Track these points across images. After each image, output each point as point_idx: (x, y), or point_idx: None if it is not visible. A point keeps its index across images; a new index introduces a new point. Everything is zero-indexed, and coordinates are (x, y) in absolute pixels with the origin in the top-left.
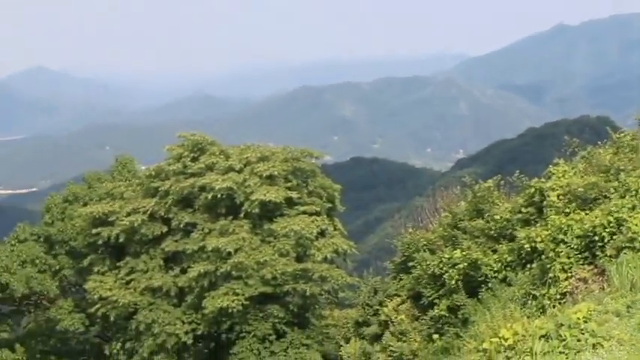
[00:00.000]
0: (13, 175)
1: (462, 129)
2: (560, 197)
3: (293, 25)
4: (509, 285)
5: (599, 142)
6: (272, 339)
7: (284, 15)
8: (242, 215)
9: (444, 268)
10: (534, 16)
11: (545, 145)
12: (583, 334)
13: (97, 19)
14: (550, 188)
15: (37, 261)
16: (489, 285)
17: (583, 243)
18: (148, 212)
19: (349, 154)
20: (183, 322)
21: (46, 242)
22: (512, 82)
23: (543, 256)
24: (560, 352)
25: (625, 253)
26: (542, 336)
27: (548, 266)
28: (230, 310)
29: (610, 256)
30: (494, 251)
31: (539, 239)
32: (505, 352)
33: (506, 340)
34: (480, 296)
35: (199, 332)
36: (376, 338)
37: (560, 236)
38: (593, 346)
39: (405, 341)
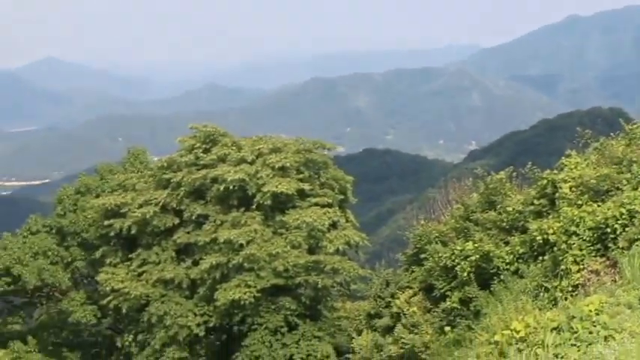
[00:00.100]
0: (25, 167)
1: (475, 120)
2: (573, 189)
3: (305, 16)
4: (521, 277)
5: (611, 134)
6: (284, 331)
7: (296, 6)
8: (254, 207)
9: (456, 260)
10: (547, 7)
11: (557, 136)
12: (595, 326)
13: (110, 11)
14: (562, 180)
15: (50, 253)
16: (501, 277)
17: (595, 235)
18: (160, 204)
19: (362, 145)
20: (195, 314)
21: (58, 234)
22: (524, 74)
23: (555, 248)
24: (571, 345)
25: (637, 245)
26: (554, 328)
27: (560, 258)
28: (242, 302)
29: (622, 248)
30: (507, 243)
31: (551, 231)
32: (517, 344)
33: (517, 332)
34: (491, 288)
35: (211, 324)
36: (388, 330)
37: (573, 228)
38: (605, 338)
39: (416, 333)
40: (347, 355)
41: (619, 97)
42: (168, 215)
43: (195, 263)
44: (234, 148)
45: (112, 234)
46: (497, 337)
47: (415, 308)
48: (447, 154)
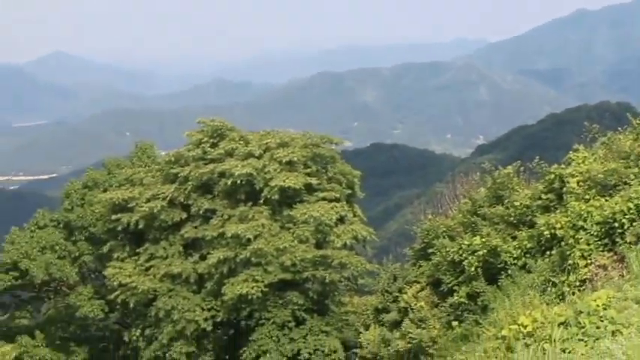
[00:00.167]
0: (33, 161)
1: (482, 115)
2: (580, 183)
3: (313, 11)
4: (529, 272)
5: (619, 128)
6: (291, 326)
7: (304, 1)
8: (261, 201)
9: (464, 255)
10: (555, 1)
11: (565, 131)
12: (602, 321)
13: (117, 5)
14: (570, 174)
15: (57, 247)
16: (509, 272)
17: (603, 230)
18: (168, 198)
19: (369, 140)
20: (203, 309)
21: (66, 228)
22: (532, 68)
23: (563, 243)
24: (579, 340)
25: None
26: (561, 323)
27: (568, 253)
28: (249, 297)
29: (630, 243)
30: (514, 238)
31: (558, 226)
32: (524, 339)
33: (525, 327)
34: (499, 283)
35: (219, 319)
36: (395, 325)
37: (580, 223)
38: (613, 333)
39: (424, 328)
40: (354, 350)
41: (627, 91)
42: (175, 210)
43: (203, 258)
44: (241, 142)
45: (119, 228)
46: (504, 332)
47: (423, 303)
48: (454, 148)
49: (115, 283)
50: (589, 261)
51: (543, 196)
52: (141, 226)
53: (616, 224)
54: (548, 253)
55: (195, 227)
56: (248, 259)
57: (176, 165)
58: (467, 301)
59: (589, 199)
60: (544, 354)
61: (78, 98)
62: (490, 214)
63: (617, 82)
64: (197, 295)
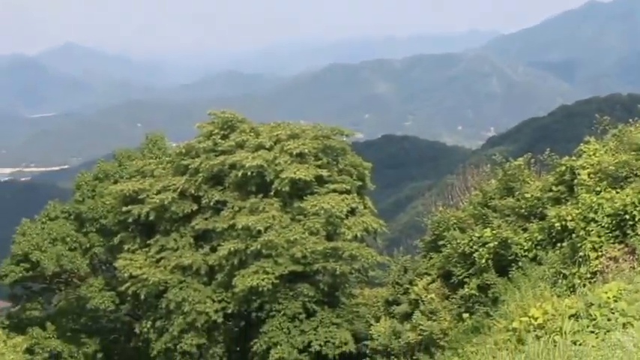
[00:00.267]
0: (44, 153)
1: (493, 107)
2: (591, 175)
3: (324, 2)
4: (540, 264)
5: (630, 120)
6: (302, 318)
7: None
8: (272, 193)
9: (474, 247)
10: None
11: (576, 123)
12: (613, 313)
13: None
14: (581, 166)
15: (68, 239)
16: (519, 264)
17: (614, 222)
18: (178, 190)
19: (380, 131)
20: (214, 301)
21: (77, 220)
22: (544, 60)
23: (574, 235)
24: (590, 332)
25: None
26: (572, 315)
27: (579, 245)
28: (260, 289)
29: None
30: (525, 230)
31: (569, 218)
32: (535, 331)
33: (535, 319)
34: (510, 275)
35: (229, 311)
36: (406, 317)
37: (591, 215)
38: (624, 325)
39: (435, 320)
40: (365, 342)
41: (638, 83)
42: (186, 201)
43: (214, 249)
44: (252, 134)
45: (130, 220)
46: (515, 324)
47: (433, 295)
48: (465, 140)
49: (125, 275)
50: (600, 253)
51: (554, 188)
52: (151, 217)
53: (627, 216)
54: (559, 245)
55: (206, 219)
56: (259, 250)
57: (187, 157)
58: (477, 293)
59: (600, 191)
60: (555, 346)
61: (89, 89)
62: (501, 206)
63: (628, 74)
64: (208, 286)
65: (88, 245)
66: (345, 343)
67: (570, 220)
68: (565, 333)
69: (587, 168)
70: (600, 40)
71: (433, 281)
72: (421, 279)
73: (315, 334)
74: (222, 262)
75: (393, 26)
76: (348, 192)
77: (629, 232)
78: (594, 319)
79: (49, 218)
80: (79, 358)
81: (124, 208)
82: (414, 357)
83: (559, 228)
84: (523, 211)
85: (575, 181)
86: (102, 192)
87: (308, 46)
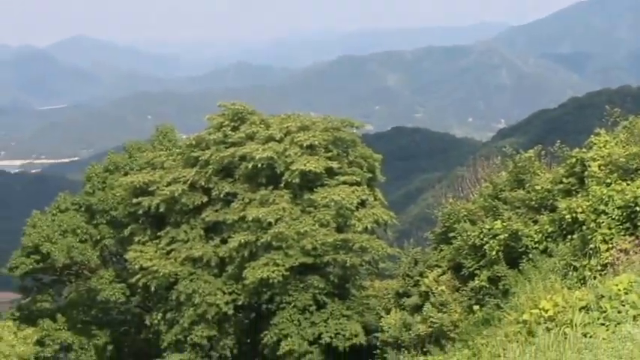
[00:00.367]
0: (54, 145)
1: (504, 98)
2: (602, 167)
3: None
4: (550, 256)
5: None
6: (312, 310)
7: None
8: (282, 185)
9: (485, 239)
10: None
11: (586, 114)
12: (624, 305)
13: None
14: (591, 158)
15: (78, 230)
16: (530, 256)
17: (624, 214)
18: (189, 182)
19: (390, 123)
20: (224, 293)
21: (87, 212)
22: (554, 52)
23: (584, 227)
24: (600, 324)
25: None
26: (583, 307)
27: (589, 237)
28: (270, 281)
29: None
30: (535, 222)
31: (580, 210)
32: (545, 323)
33: (546, 311)
34: (520, 267)
35: (240, 303)
36: (417, 309)
37: (602, 207)
38: (634, 317)
39: (445, 312)
40: (375, 334)
41: None
42: (196, 193)
43: (224, 241)
44: (262, 126)
45: (140, 212)
46: (525, 316)
47: (444, 287)
48: (475, 132)
49: (136, 267)
50: (610, 245)
51: (565, 180)
52: (162, 209)
53: (637, 208)
54: (569, 237)
55: (216, 211)
56: (269, 242)
57: (197, 148)
58: (488, 285)
59: (610, 183)
60: (565, 338)
61: (98, 81)
62: (511, 198)
63: (639, 67)
64: (218, 278)
65: (98, 237)
66: (356, 335)
67: (581, 212)
68: (575, 325)
69: (598, 160)
70: (611, 32)
71: (443, 273)
72: (431, 271)
73: (325, 326)
74: (233, 254)
75: (402, 18)
76: (358, 184)
77: (639, 224)
78: (605, 312)
79: (60, 210)
80: (90, 349)
81: (135, 200)
82: (425, 349)
83: (569, 220)
84: (533, 203)
85: (586, 173)
86: (112, 184)
87: (317, 38)
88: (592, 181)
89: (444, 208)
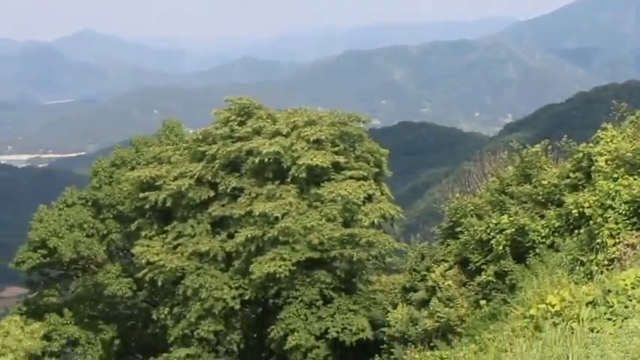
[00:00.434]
0: (61, 139)
1: (510, 93)
2: (609, 162)
3: None
4: (557, 251)
5: None
6: (319, 304)
7: None
8: (289, 180)
9: (492, 234)
10: None
11: (593, 109)
12: (630, 300)
13: None
14: (598, 153)
15: (85, 225)
16: (537, 251)
17: (631, 208)
18: (195, 176)
19: (397, 118)
20: (231, 287)
21: (94, 206)
22: (561, 46)
23: (591, 222)
24: (607, 319)
25: None
26: (590, 302)
27: (596, 232)
28: (277, 276)
29: None
30: (542, 217)
31: (587, 205)
32: (552, 318)
33: (553, 306)
34: (527, 262)
35: (246, 297)
36: (423, 304)
37: (609, 202)
38: None
39: (452, 307)
40: (382, 329)
41: None
42: (203, 188)
43: (231, 236)
44: (269, 120)
45: (147, 206)
46: (532, 311)
47: (450, 282)
48: (482, 126)
49: (143, 261)
50: (617, 240)
51: (571, 175)
52: (168, 204)
53: None
54: (576, 232)
55: (223, 205)
56: (276, 237)
57: (204, 143)
58: (495, 280)
59: (617, 178)
60: (572, 333)
61: (104, 76)
62: (518, 193)
63: None
64: (225, 273)
65: (105, 232)
66: (362, 330)
67: (587, 207)
68: (582, 320)
69: (605, 155)
70: (617, 27)
71: (450, 268)
72: (438, 266)
73: (332, 321)
74: (240, 249)
75: (408, 13)
76: (365, 178)
77: None
78: (612, 307)
79: (66, 205)
80: (97, 344)
81: (141, 195)
82: (431, 344)
83: (576, 215)
84: (540, 197)
85: (593, 167)
86: (119, 178)
87: (324, 33)
88: (599, 175)
89: (451, 203)
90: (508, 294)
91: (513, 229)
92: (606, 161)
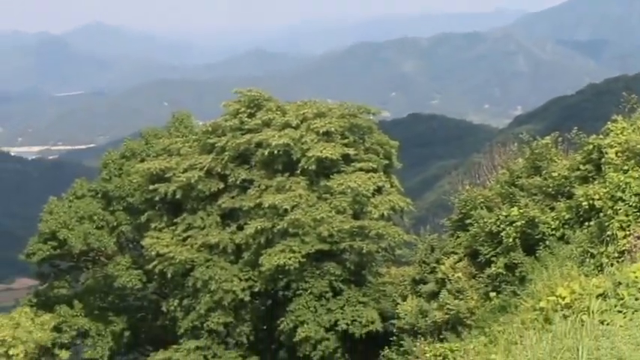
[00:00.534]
0: (71, 131)
1: (521, 85)
2: (619, 154)
3: None
4: (567, 243)
5: None
6: (329, 296)
7: None
8: (299, 172)
9: (502, 226)
10: None
11: (604, 101)
12: None
13: None
14: (608, 145)
15: (95, 217)
16: (547, 243)
17: None
18: (205, 168)
19: (407, 110)
20: (240, 279)
21: (104, 198)
22: (571, 38)
23: (601, 214)
24: (617, 311)
25: None
26: (600, 295)
27: (607, 224)
28: (287, 268)
29: None
30: (552, 209)
31: (597, 197)
32: (562, 310)
33: (563, 298)
34: (537, 254)
35: (256, 289)
36: (433, 296)
37: (619, 194)
38: None
39: (461, 299)
40: (392, 321)
41: None
42: (212, 180)
43: (240, 228)
44: (278, 112)
45: (157, 198)
46: (542, 304)
47: (460, 274)
48: (492, 119)
49: (152, 253)
50: (628, 232)
51: (582, 167)
52: (178, 196)
53: None
54: (586, 224)
55: (233, 197)
56: (285, 229)
57: (213, 135)
58: (505, 272)
59: (628, 170)
60: (582, 326)
61: (116, 68)
62: (528, 185)
63: None
64: (234, 265)
65: (115, 223)
66: (372, 322)
67: (598, 199)
68: (592, 312)
69: (615, 147)
70: (628, 19)
71: (460, 260)
72: (448, 258)
73: (341, 313)
74: (249, 241)
75: (418, 4)
76: (374, 170)
77: None
78: (622, 299)
79: (76, 196)
80: (107, 336)
81: (151, 187)
82: (441, 336)
83: (586, 207)
84: (550, 189)
85: (603, 159)
86: (129, 170)
87: (335, 25)
88: (609, 167)
89: (461, 195)
90: (518, 286)
91: (523, 222)
92: (616, 153)
